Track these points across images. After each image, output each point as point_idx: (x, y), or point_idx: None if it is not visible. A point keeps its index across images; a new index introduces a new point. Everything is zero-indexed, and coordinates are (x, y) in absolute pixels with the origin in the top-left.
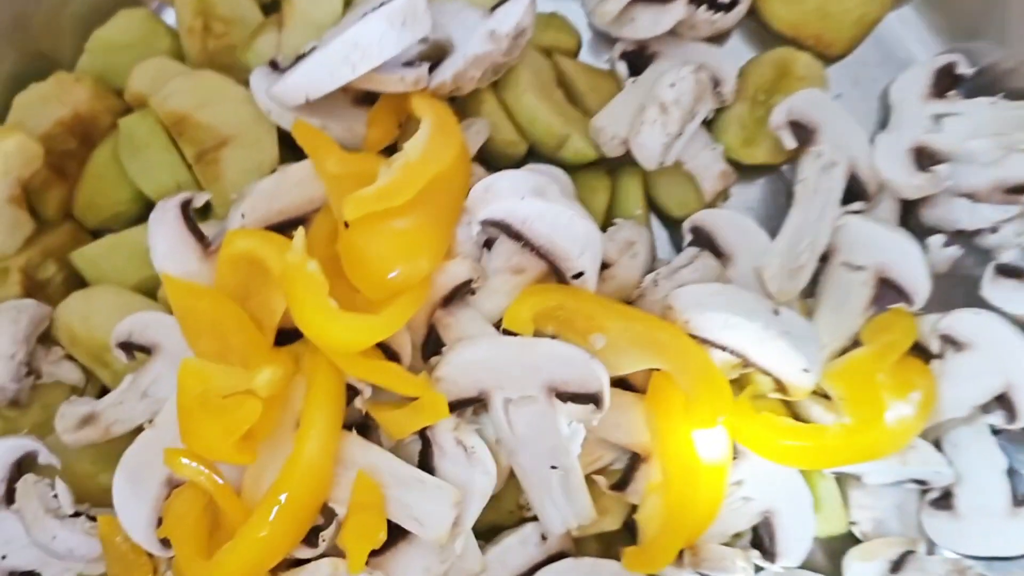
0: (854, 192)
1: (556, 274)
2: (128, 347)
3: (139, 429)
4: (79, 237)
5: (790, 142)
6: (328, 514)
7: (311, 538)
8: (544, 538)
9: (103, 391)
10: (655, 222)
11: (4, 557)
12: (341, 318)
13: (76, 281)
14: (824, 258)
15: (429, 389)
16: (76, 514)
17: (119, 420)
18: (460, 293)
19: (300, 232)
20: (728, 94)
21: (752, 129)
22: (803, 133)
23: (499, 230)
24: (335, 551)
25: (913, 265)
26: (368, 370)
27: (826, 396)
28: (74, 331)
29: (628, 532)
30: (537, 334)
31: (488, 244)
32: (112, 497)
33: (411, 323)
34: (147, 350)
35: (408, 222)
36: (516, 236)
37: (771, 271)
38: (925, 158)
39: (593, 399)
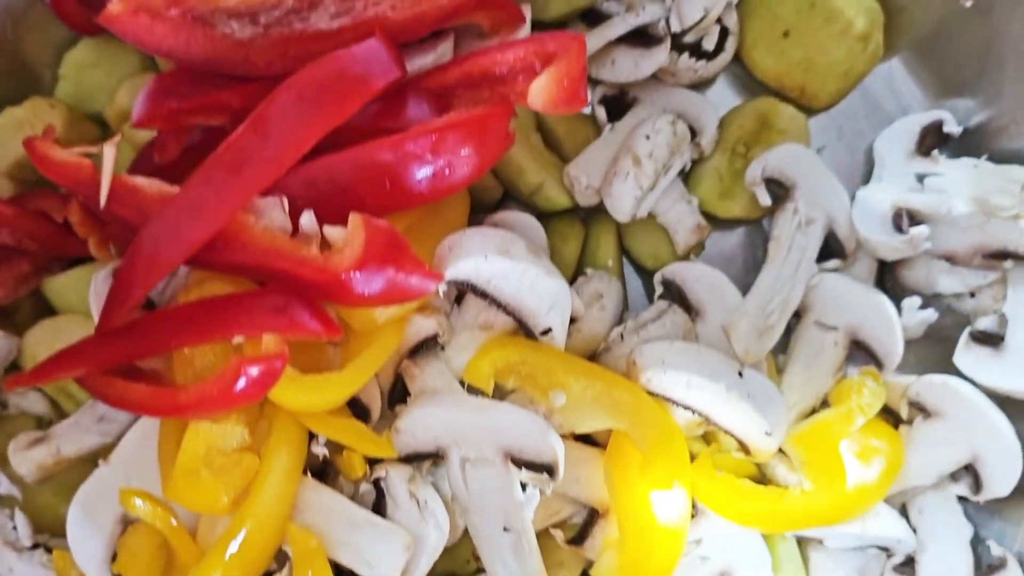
0: (831, 249)
1: (524, 330)
2: None
3: (95, 460)
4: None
5: (765, 199)
6: (281, 557)
7: None
8: None
9: None
10: (629, 269)
11: None
12: (304, 382)
13: (44, 308)
14: (798, 314)
15: (392, 449)
16: (35, 546)
17: (71, 441)
18: (427, 345)
19: None
20: (707, 145)
21: (729, 182)
22: (779, 190)
23: (465, 288)
24: None
25: (887, 328)
26: (334, 429)
27: None
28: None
29: None
30: (499, 387)
31: (459, 299)
32: None
33: (379, 371)
34: None
35: None
36: (482, 294)
37: (739, 331)
38: (905, 219)
39: (547, 469)
